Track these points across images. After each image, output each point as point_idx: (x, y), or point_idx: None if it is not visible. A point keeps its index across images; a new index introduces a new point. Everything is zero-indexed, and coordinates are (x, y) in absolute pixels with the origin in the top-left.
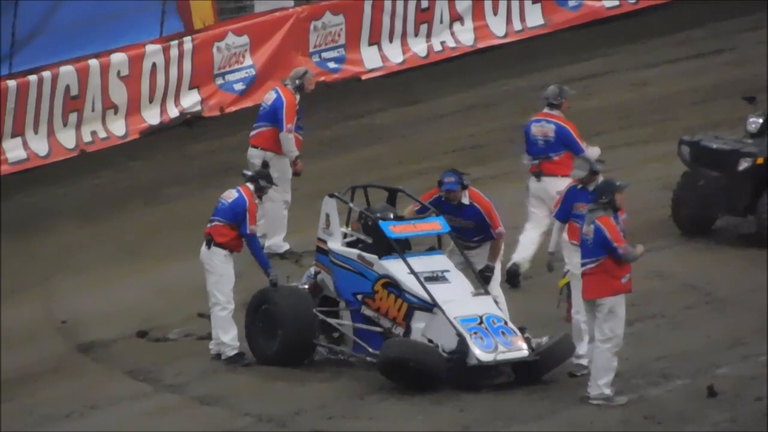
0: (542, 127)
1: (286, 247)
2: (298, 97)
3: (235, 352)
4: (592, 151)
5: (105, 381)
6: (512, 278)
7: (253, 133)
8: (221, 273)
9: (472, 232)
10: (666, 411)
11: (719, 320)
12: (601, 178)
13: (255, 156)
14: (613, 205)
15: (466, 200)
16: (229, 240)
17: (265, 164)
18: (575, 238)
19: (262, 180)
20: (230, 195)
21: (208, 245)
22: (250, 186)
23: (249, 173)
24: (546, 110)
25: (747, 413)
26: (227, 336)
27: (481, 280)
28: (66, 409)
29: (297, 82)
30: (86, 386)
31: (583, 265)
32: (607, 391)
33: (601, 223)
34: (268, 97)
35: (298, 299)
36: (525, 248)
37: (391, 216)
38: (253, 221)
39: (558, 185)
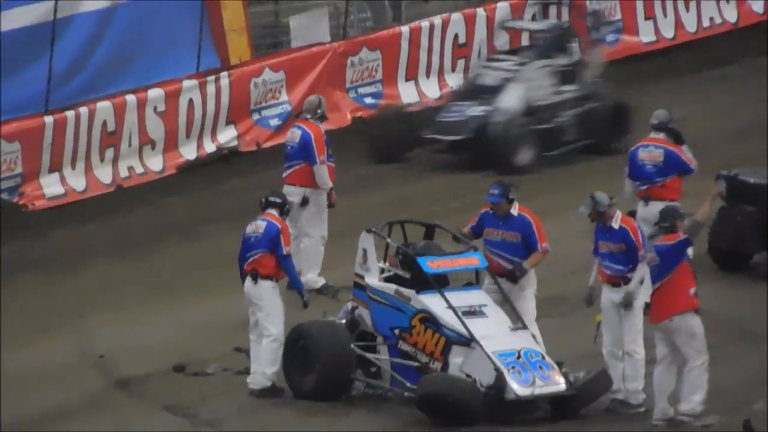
0: (650, 153)
1: (321, 282)
2: (323, 128)
3: (271, 384)
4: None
5: (142, 417)
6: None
7: (286, 173)
8: (272, 305)
9: (515, 247)
10: None
11: (755, 356)
12: (617, 213)
13: (293, 194)
14: (674, 229)
15: (514, 212)
16: (273, 270)
17: (305, 201)
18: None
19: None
20: (258, 227)
21: (255, 280)
22: (274, 212)
23: (269, 200)
24: (653, 135)
25: None
26: (274, 368)
27: (510, 280)
28: None
29: (318, 112)
30: (123, 422)
31: (654, 291)
32: (699, 409)
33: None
34: (293, 135)
35: (336, 334)
36: None
37: (435, 252)
38: (288, 242)
39: None
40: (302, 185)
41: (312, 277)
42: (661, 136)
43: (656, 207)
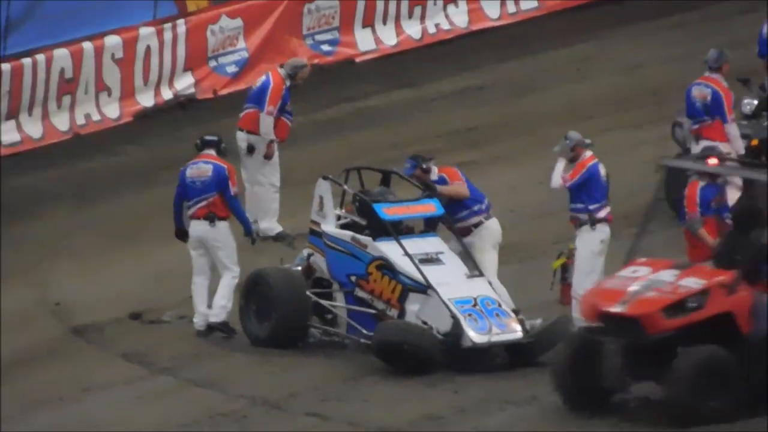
0: (701, 91)
1: (278, 229)
2: (287, 83)
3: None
4: (733, 129)
5: (99, 364)
6: None
7: (241, 114)
8: (231, 244)
9: (453, 206)
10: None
11: None
12: (587, 153)
13: (241, 139)
14: None
15: (434, 176)
16: (226, 211)
17: (251, 148)
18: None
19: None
20: (203, 170)
21: (212, 222)
22: (212, 152)
23: (204, 139)
24: (707, 74)
25: None
26: (230, 303)
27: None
28: (60, 392)
29: (291, 71)
30: (80, 369)
31: None
32: None
33: None
34: (258, 80)
35: (292, 281)
36: None
37: (390, 198)
38: (235, 182)
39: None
40: (249, 131)
41: (267, 225)
42: (716, 76)
43: (705, 145)
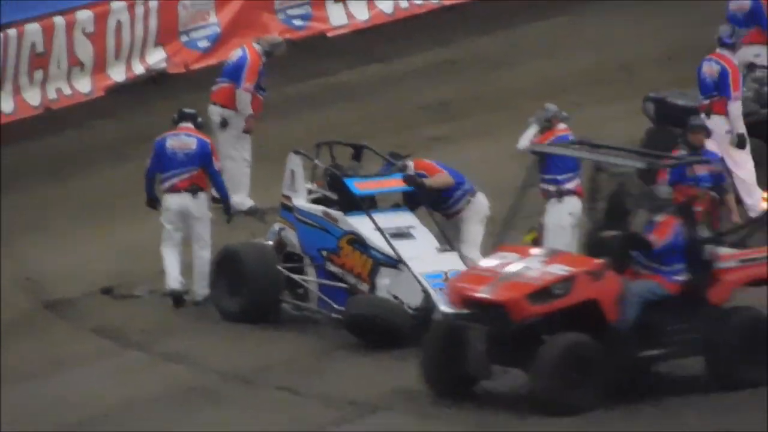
0: (711, 67)
1: (249, 203)
2: (263, 59)
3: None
4: (735, 108)
5: (70, 338)
6: None
7: (214, 88)
8: (208, 217)
9: (439, 199)
10: None
11: None
12: (562, 125)
13: (214, 113)
14: None
15: (411, 173)
16: (207, 185)
17: (224, 122)
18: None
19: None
20: (186, 143)
21: (196, 194)
22: (190, 125)
23: (183, 112)
24: (718, 50)
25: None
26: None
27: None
28: (31, 367)
29: (268, 48)
30: (52, 344)
31: None
32: None
33: None
34: (234, 54)
35: (263, 255)
36: None
37: (362, 173)
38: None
39: (725, 125)
40: (223, 106)
41: (239, 200)
42: (726, 52)
43: (716, 121)
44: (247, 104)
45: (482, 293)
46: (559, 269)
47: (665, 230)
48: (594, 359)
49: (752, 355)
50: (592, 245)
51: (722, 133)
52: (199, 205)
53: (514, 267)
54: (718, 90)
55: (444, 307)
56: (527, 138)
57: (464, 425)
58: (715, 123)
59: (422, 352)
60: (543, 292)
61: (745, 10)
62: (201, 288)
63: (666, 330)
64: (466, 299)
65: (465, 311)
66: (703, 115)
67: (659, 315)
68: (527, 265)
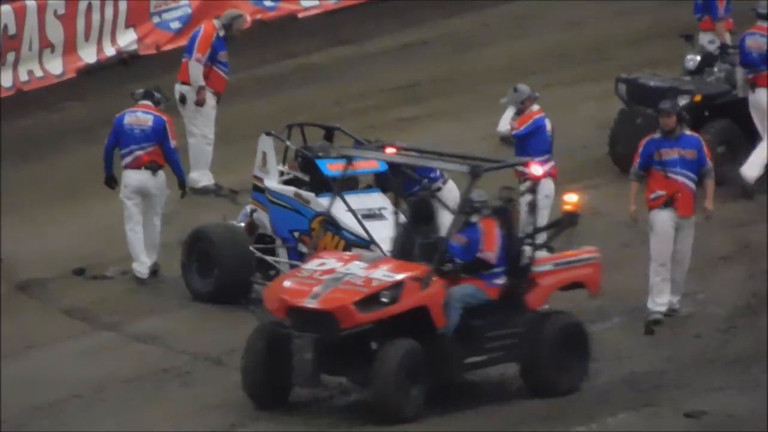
0: (756, 41)
1: (207, 181)
2: (221, 32)
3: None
4: None
5: (42, 320)
6: None
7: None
8: (165, 192)
9: (409, 183)
10: (603, 348)
11: None
12: (535, 106)
13: (176, 90)
14: None
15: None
16: (163, 161)
17: (182, 98)
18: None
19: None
20: (142, 120)
21: (155, 171)
22: (149, 102)
23: (142, 91)
24: (759, 23)
25: (684, 351)
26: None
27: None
28: (2, 348)
29: (226, 21)
30: (23, 325)
31: None
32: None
33: None
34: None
35: (235, 237)
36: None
37: (332, 154)
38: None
39: None
40: (183, 82)
41: (195, 176)
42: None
43: (761, 94)
44: (197, 75)
45: (309, 302)
46: (384, 275)
47: (493, 237)
48: (424, 365)
49: (567, 360)
50: (401, 250)
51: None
52: (158, 182)
53: (337, 273)
54: (764, 63)
55: None
56: (506, 120)
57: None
58: (759, 96)
59: (243, 358)
60: (371, 300)
61: (761, 49)
62: (143, 268)
63: (486, 336)
64: (290, 308)
65: (289, 319)
66: (749, 89)
67: (480, 320)
68: (350, 271)
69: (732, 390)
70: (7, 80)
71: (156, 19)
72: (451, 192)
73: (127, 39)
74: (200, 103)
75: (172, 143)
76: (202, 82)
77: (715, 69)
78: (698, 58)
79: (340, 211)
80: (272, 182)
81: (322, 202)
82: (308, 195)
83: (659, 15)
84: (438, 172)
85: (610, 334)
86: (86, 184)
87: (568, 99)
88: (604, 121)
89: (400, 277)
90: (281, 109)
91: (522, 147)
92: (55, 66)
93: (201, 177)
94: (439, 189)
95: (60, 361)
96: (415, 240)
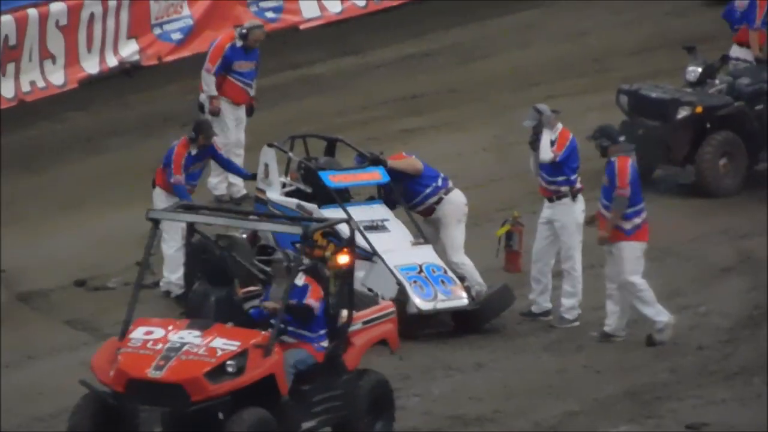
0: (741, 1)
1: (220, 191)
2: (238, 43)
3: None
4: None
5: (44, 331)
6: None
7: None
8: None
9: (408, 191)
10: (605, 360)
11: (658, 270)
12: (560, 124)
13: (200, 99)
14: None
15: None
16: (163, 183)
17: (201, 107)
18: None
19: (197, 129)
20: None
21: (153, 185)
22: (190, 132)
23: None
24: None
25: (686, 363)
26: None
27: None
28: (4, 359)
29: (242, 31)
30: (25, 336)
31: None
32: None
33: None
34: None
35: (237, 248)
36: None
37: (336, 167)
38: (178, 170)
39: None
40: (201, 90)
41: (214, 182)
42: None
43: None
44: (209, 85)
45: (152, 373)
46: (225, 343)
47: (318, 292)
48: None
49: (378, 415)
50: (196, 307)
51: None
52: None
53: (172, 342)
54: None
55: (419, 301)
56: (547, 147)
57: None
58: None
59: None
60: (219, 370)
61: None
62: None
63: (315, 400)
64: (131, 379)
65: (131, 392)
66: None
67: (308, 385)
68: (185, 340)
69: (734, 402)
70: (9, 91)
71: (158, 30)
72: (455, 203)
73: (129, 50)
74: (213, 112)
75: (174, 178)
76: (214, 92)
77: (717, 81)
78: (699, 69)
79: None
80: (275, 194)
81: (324, 214)
82: (311, 206)
83: (661, 26)
84: (441, 182)
85: (612, 346)
86: (88, 194)
87: (570, 110)
88: None
89: (242, 344)
90: (283, 121)
91: (558, 168)
92: (58, 77)
93: (217, 185)
94: (440, 200)
95: (62, 372)
96: (211, 297)
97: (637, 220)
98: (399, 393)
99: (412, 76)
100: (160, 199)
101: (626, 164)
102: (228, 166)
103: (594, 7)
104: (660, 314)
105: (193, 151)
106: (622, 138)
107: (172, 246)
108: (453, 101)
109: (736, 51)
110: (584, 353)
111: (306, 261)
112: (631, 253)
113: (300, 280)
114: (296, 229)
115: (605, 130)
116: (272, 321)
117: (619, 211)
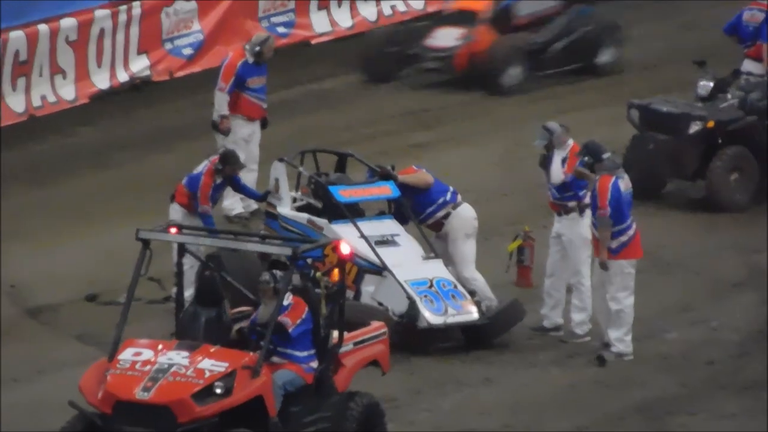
0: (753, 15)
1: (236, 209)
2: (250, 60)
3: None
4: None
5: (53, 345)
6: None
7: None
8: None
9: (417, 205)
10: (615, 375)
11: (669, 285)
12: (571, 140)
13: (214, 117)
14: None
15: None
16: (187, 202)
17: (214, 125)
18: None
19: (224, 160)
20: (202, 164)
21: (171, 200)
22: (216, 163)
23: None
24: None
25: (697, 378)
26: None
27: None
28: (14, 373)
29: (256, 48)
30: (34, 350)
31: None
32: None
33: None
34: None
35: (246, 264)
36: None
37: (347, 181)
38: (205, 201)
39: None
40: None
41: (228, 204)
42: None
43: (756, 66)
44: (221, 104)
45: (140, 394)
46: (212, 365)
47: (298, 311)
48: None
49: None
50: (186, 328)
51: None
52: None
53: (160, 364)
54: (759, 36)
55: (429, 315)
56: (558, 168)
57: None
58: (757, 68)
59: None
60: (205, 391)
61: (758, 22)
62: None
63: (304, 422)
64: (119, 401)
65: (118, 414)
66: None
67: (297, 406)
68: (173, 361)
69: (744, 416)
70: (20, 106)
71: (168, 45)
72: (464, 218)
73: (140, 65)
74: (223, 132)
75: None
76: (225, 112)
77: (728, 95)
78: (711, 84)
79: (353, 238)
80: (285, 209)
81: (335, 229)
82: (321, 221)
83: (672, 41)
84: (450, 196)
85: (622, 360)
86: (97, 209)
87: (581, 124)
88: (616, 146)
89: (229, 365)
90: (293, 135)
91: (567, 185)
92: (68, 91)
93: (234, 204)
94: (448, 214)
95: (71, 387)
96: (201, 318)
97: (623, 239)
98: (408, 407)
99: (421, 91)
100: (178, 215)
101: (607, 183)
102: (243, 190)
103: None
104: (622, 343)
105: (218, 180)
106: (606, 155)
107: (187, 262)
108: (461, 115)
109: (747, 65)
110: (594, 368)
111: (296, 282)
112: (619, 271)
113: (288, 300)
114: (285, 251)
115: (590, 147)
116: (253, 338)
117: (604, 230)
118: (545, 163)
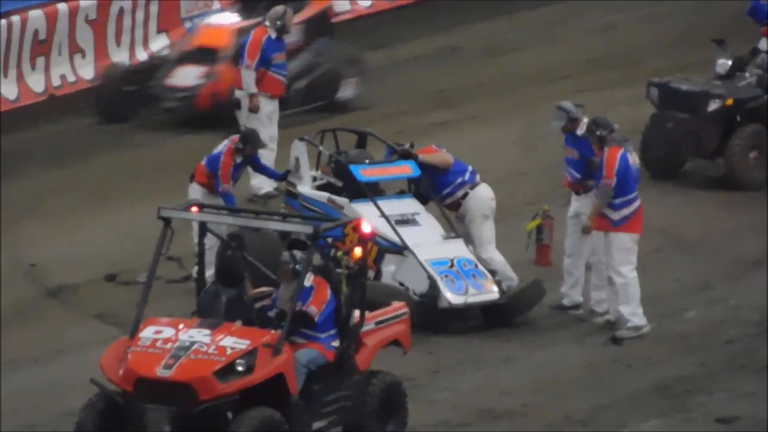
0: None
1: (266, 188)
2: (273, 35)
3: None
4: None
5: (73, 325)
6: None
7: None
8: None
9: (436, 185)
10: (634, 354)
11: (688, 264)
12: (584, 120)
13: (237, 95)
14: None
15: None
16: (207, 181)
17: (235, 103)
18: None
19: (245, 139)
20: (222, 144)
21: (191, 179)
22: (237, 142)
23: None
24: None
25: (716, 357)
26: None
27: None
28: (33, 353)
29: (278, 23)
30: (54, 330)
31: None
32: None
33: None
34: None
35: (267, 243)
36: None
37: (366, 161)
38: (226, 180)
39: None
40: (237, 88)
41: (256, 183)
42: None
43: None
44: (250, 82)
45: (162, 372)
46: (234, 342)
47: (321, 296)
48: None
49: (390, 417)
50: (207, 307)
51: None
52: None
53: (181, 341)
54: None
55: (450, 295)
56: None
57: None
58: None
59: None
60: (228, 369)
61: None
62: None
63: (325, 400)
64: (140, 379)
65: (139, 391)
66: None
67: (319, 385)
68: (195, 339)
69: (764, 395)
70: (39, 85)
71: (188, 24)
72: (482, 198)
73: (160, 44)
74: (253, 110)
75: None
76: (254, 89)
77: (747, 74)
78: (729, 62)
79: (373, 217)
80: (305, 188)
81: (355, 208)
82: (342, 200)
83: (690, 19)
84: (468, 176)
85: (641, 339)
86: (119, 188)
87: (601, 103)
88: (635, 125)
89: (251, 343)
90: (313, 114)
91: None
92: (88, 71)
93: (263, 183)
94: (466, 194)
95: (91, 366)
96: (222, 297)
97: (626, 211)
98: (429, 387)
99: (440, 70)
100: (197, 195)
101: (615, 154)
102: (262, 170)
103: (622, 1)
104: (635, 316)
105: (238, 160)
106: (616, 126)
107: (208, 242)
108: (481, 95)
109: (765, 44)
110: (614, 347)
111: (316, 261)
112: (620, 244)
113: (309, 280)
114: (307, 229)
115: (599, 121)
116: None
117: (603, 200)
118: (573, 142)
